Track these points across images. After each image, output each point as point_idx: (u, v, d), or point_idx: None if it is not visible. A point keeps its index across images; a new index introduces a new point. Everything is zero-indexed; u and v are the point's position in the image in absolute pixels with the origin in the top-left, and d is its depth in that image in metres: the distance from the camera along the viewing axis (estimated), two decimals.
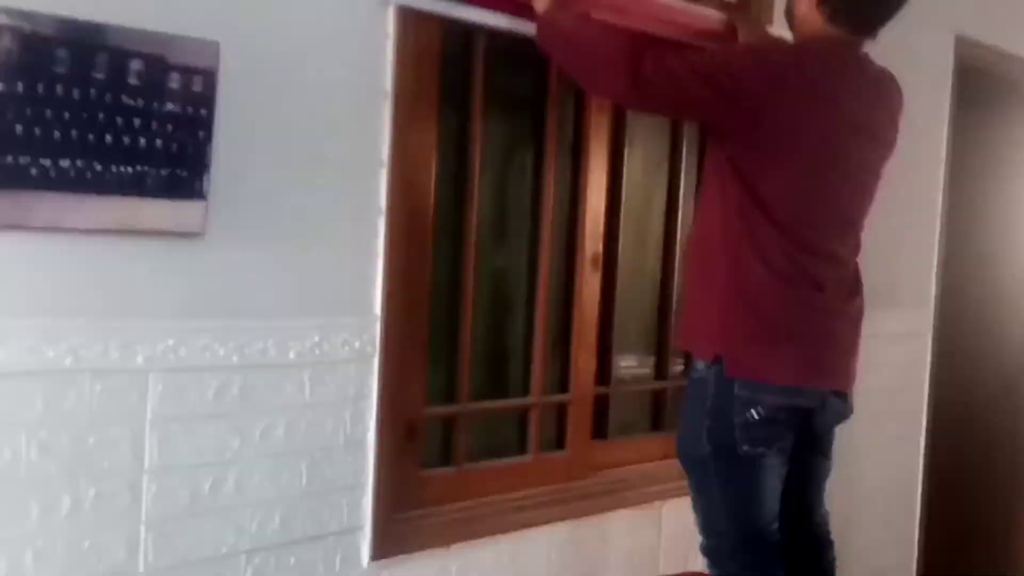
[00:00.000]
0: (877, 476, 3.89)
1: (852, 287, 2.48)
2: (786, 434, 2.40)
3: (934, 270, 4.09)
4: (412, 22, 2.41)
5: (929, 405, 4.15)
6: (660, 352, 3.23)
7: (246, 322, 2.20)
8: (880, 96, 2.45)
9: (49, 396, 1.94)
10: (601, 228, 2.93)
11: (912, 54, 3.75)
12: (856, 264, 2.50)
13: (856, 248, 2.48)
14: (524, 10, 2.45)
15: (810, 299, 2.36)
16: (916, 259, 4.01)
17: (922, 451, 4.15)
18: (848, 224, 2.45)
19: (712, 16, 2.79)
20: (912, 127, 3.73)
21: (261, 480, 2.24)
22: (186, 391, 2.12)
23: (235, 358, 2.18)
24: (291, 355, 2.27)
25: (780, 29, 2.79)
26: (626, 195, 3.06)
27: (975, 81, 4.12)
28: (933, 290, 4.10)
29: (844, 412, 2.51)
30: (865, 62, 2.43)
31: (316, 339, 2.31)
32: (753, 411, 2.33)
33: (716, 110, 2.30)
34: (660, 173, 3.21)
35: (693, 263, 2.50)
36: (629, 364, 3.19)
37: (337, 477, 2.37)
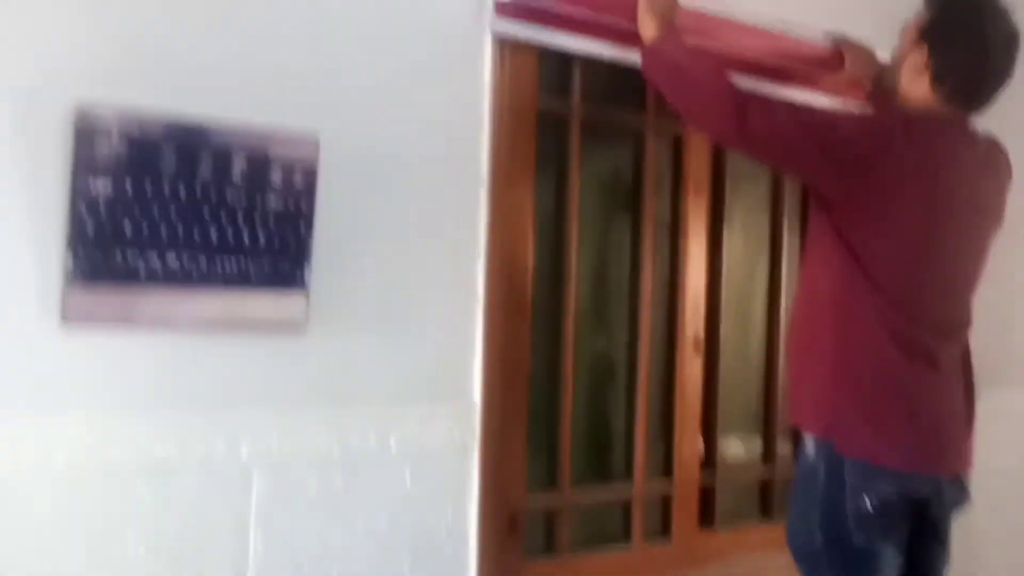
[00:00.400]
0: (1001, 567, 3.71)
1: (964, 362, 2.39)
2: (901, 523, 2.29)
3: None
4: (507, 111, 2.42)
5: None
6: (767, 435, 3.15)
7: (347, 411, 2.20)
8: (987, 167, 2.38)
9: (156, 492, 1.96)
10: (702, 309, 2.88)
11: None
12: (967, 338, 2.41)
13: (967, 322, 2.39)
14: (630, 38, 2.43)
15: (922, 374, 2.27)
16: None
17: None
18: (957, 296, 2.37)
19: (818, 44, 2.78)
20: None
21: (365, 572, 2.22)
22: (289, 484, 2.12)
23: (337, 449, 2.18)
24: (392, 445, 2.26)
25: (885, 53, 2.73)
26: (728, 274, 3.01)
27: None
28: None
29: (961, 499, 2.40)
30: (973, 134, 2.37)
31: (416, 428, 2.30)
32: (866, 500, 2.23)
33: (818, 168, 2.26)
34: (762, 251, 3.16)
35: (799, 334, 2.43)
36: (735, 448, 3.11)
37: (440, 569, 2.33)
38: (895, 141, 2.22)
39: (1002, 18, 2.28)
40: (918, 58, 2.30)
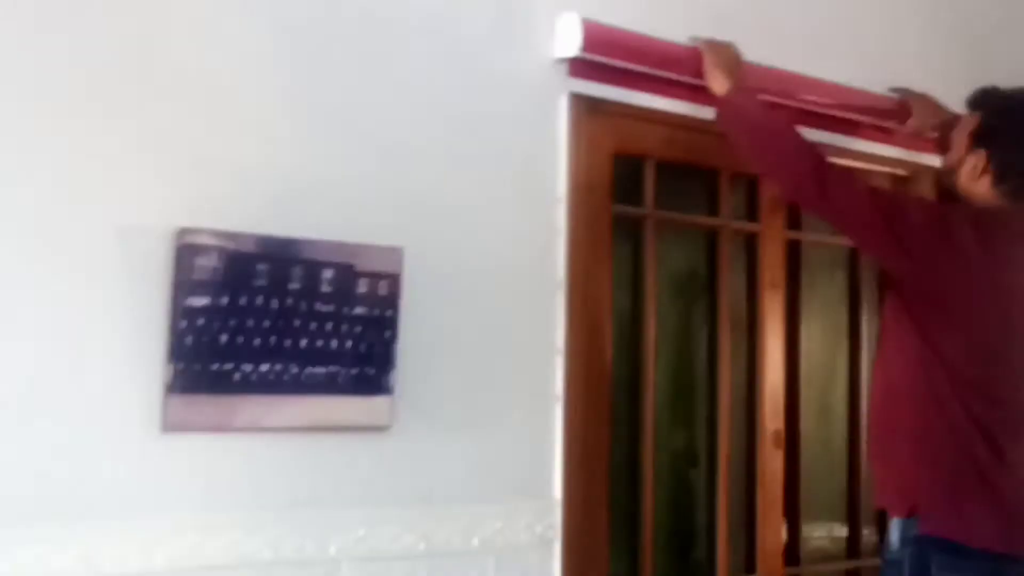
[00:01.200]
0: None
1: None
2: None
3: None
4: (582, 218, 2.52)
5: None
6: (852, 525, 3.15)
7: (431, 509, 2.28)
8: None
9: None
10: (781, 404, 2.92)
11: None
12: None
13: None
14: (702, 94, 2.54)
15: (1003, 454, 2.31)
16: None
17: None
18: None
19: (883, 96, 2.87)
20: None
21: None
22: None
23: (422, 546, 2.26)
24: (475, 542, 2.33)
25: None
26: (807, 367, 3.05)
27: None
28: None
29: None
30: None
31: (499, 525, 2.37)
32: None
33: (886, 245, 2.34)
34: (841, 343, 3.19)
35: (878, 415, 2.48)
36: (820, 539, 3.11)
37: None
38: (959, 234, 2.30)
39: None
40: (977, 162, 2.38)
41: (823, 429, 3.12)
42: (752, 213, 2.91)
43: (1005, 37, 3.39)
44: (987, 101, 2.45)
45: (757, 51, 2.63)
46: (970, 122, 2.44)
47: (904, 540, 2.33)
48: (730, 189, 2.84)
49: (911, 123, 2.92)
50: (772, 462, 2.89)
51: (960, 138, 2.45)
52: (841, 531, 3.15)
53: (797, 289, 3.03)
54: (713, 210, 2.87)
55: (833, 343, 3.18)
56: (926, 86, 2.95)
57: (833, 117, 2.87)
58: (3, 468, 1.85)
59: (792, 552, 2.98)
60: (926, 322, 2.33)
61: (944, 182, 2.56)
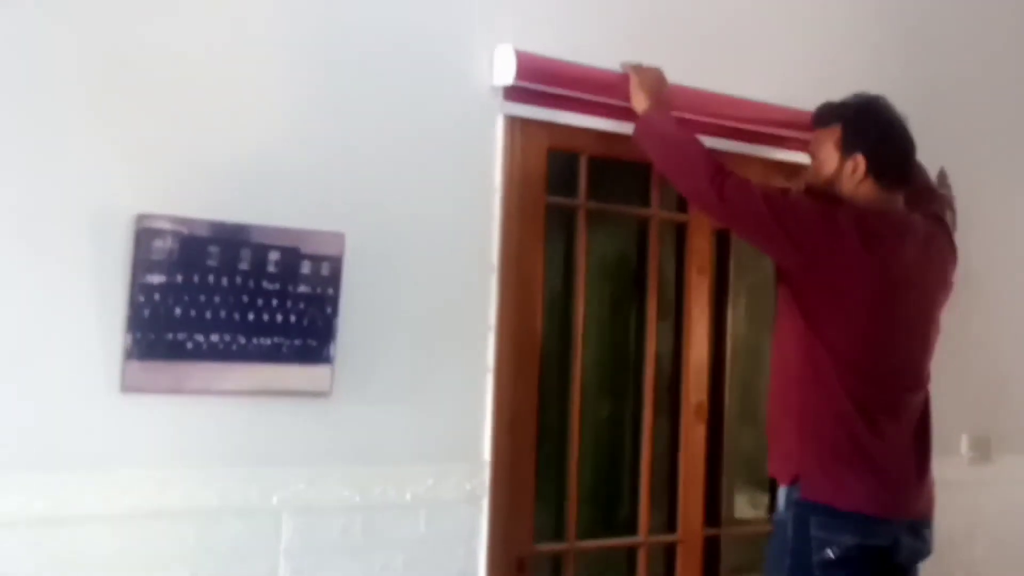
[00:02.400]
0: None
1: (923, 415, 2.70)
2: (865, 571, 2.55)
3: None
4: (516, 206, 2.78)
5: None
6: (773, 491, 3.40)
7: (368, 468, 2.56)
8: (931, 246, 2.70)
9: (200, 532, 2.34)
10: (705, 378, 3.18)
11: None
12: (926, 394, 2.71)
13: (924, 381, 2.71)
14: (629, 114, 2.78)
15: (879, 429, 2.57)
16: None
17: None
18: (911, 361, 2.68)
19: (803, 111, 3.08)
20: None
21: None
22: (315, 528, 2.48)
23: (358, 499, 2.53)
24: (408, 497, 2.61)
25: None
26: (734, 346, 3.30)
27: None
28: None
29: (922, 550, 2.66)
30: (915, 217, 2.71)
31: (431, 482, 2.64)
32: (829, 551, 2.50)
33: (779, 243, 2.58)
34: (768, 326, 3.43)
35: (772, 392, 2.74)
36: (743, 504, 3.37)
37: None
38: (846, 230, 2.54)
39: (889, 105, 2.68)
40: (855, 165, 2.63)
41: (748, 403, 3.37)
42: (682, 205, 3.16)
43: (926, 48, 3.66)
44: (839, 112, 2.70)
45: (687, 75, 2.90)
46: (830, 135, 2.68)
47: (788, 504, 2.60)
48: (661, 183, 3.08)
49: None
50: (694, 430, 3.16)
51: (827, 151, 2.68)
52: (763, 497, 3.41)
53: (726, 274, 3.28)
54: (646, 202, 3.12)
55: (760, 324, 3.42)
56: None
57: (755, 132, 3.12)
58: None
59: (714, 514, 3.25)
60: (813, 310, 2.57)
61: (816, 192, 2.73)
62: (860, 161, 2.62)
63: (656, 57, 2.86)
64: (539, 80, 2.76)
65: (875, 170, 2.62)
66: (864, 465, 2.54)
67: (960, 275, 3.62)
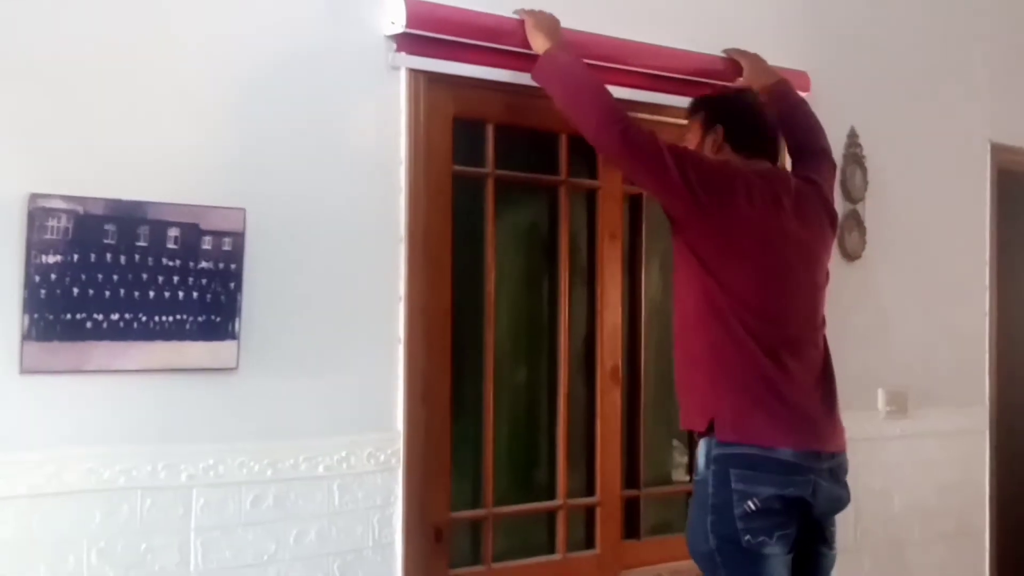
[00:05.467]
0: (935, 571, 3.99)
1: (824, 351, 2.80)
2: (786, 523, 2.61)
3: (987, 368, 4.21)
4: (420, 174, 2.79)
5: (992, 503, 4.22)
6: (691, 451, 3.45)
7: (278, 442, 2.57)
8: (804, 202, 2.82)
9: (106, 511, 2.34)
10: (619, 342, 3.22)
11: (950, 162, 4.04)
12: (823, 332, 2.81)
13: (820, 319, 2.82)
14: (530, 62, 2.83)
15: (785, 367, 2.66)
16: (964, 359, 4.14)
17: (987, 549, 4.20)
18: (807, 299, 2.79)
19: (713, 57, 3.20)
20: (954, 231, 4.00)
21: None
22: (226, 503, 2.49)
23: (269, 472, 2.55)
24: (320, 469, 2.62)
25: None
26: (649, 310, 3.34)
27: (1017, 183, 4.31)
28: (987, 388, 4.21)
29: (842, 496, 2.73)
30: (785, 173, 2.96)
31: (343, 454, 2.66)
32: (750, 502, 2.56)
33: (678, 191, 2.65)
34: None
35: (677, 346, 2.80)
36: (662, 464, 3.43)
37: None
38: (742, 181, 2.69)
39: (749, 94, 3.05)
40: (715, 137, 2.83)
41: (664, 365, 3.41)
42: (592, 171, 3.19)
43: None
44: (704, 102, 2.93)
45: (599, 23, 2.97)
46: (697, 118, 2.89)
47: (708, 461, 2.64)
48: (569, 150, 3.11)
49: (741, 81, 3.26)
50: (610, 394, 3.20)
51: (694, 130, 2.88)
52: (682, 459, 3.47)
53: (638, 239, 3.32)
54: (555, 169, 3.14)
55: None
56: (759, 47, 3.30)
57: (666, 77, 3.17)
58: None
59: (633, 476, 3.30)
60: (707, 254, 2.67)
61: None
62: (719, 131, 2.82)
63: (554, 5, 2.91)
64: (432, 28, 2.76)
65: (732, 139, 2.81)
66: (775, 401, 2.63)
67: (873, 233, 3.74)
